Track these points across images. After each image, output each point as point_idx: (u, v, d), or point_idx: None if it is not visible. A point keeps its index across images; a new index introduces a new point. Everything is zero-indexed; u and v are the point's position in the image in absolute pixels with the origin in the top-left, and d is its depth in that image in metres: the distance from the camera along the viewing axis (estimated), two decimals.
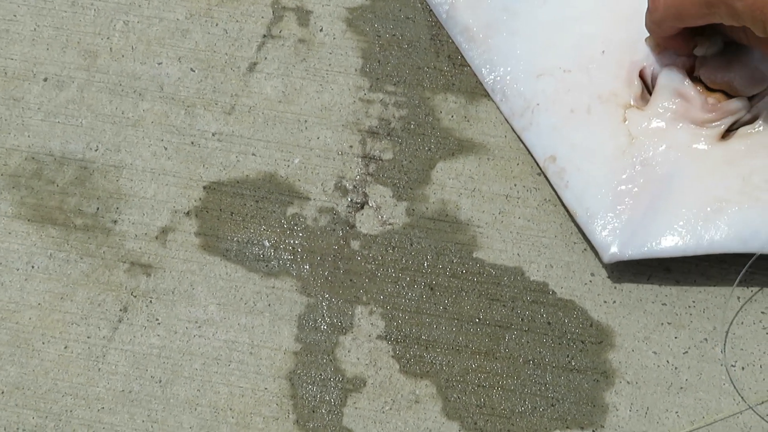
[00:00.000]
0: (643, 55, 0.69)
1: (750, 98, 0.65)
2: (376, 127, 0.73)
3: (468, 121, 0.72)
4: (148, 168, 0.73)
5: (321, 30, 0.76)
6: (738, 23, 0.56)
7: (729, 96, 0.65)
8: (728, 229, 0.63)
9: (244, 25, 0.77)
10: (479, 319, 0.69)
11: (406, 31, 0.75)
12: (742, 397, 0.63)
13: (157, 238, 0.71)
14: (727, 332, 0.66)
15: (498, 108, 0.72)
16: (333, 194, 0.72)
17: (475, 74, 0.73)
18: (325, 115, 0.74)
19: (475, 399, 0.67)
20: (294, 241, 0.71)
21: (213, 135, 0.74)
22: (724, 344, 0.65)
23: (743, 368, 0.65)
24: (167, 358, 0.68)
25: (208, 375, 0.68)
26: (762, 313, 0.65)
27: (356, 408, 0.65)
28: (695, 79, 0.66)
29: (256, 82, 0.75)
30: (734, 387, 0.64)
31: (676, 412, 0.64)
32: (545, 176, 0.70)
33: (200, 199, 0.73)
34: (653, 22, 0.62)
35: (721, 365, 0.65)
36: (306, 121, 0.74)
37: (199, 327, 0.69)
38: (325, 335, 0.69)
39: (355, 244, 0.70)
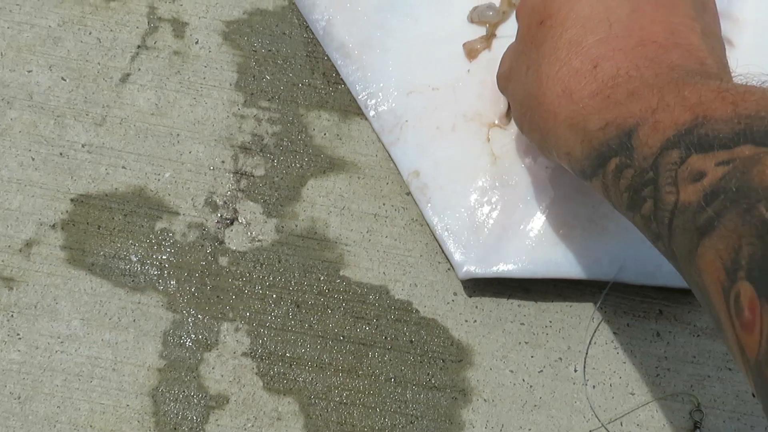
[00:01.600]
0: None
1: None
2: (249, 142, 0.78)
3: (340, 139, 0.78)
4: (14, 178, 0.76)
5: (197, 42, 0.80)
6: None
7: None
8: (574, 256, 0.70)
9: (119, 34, 0.80)
10: (344, 336, 0.74)
11: (282, 46, 0.80)
12: (596, 415, 0.71)
13: (20, 251, 0.75)
14: (587, 352, 0.73)
15: (370, 125, 0.76)
16: (203, 210, 0.76)
17: (348, 92, 0.78)
18: (197, 129, 0.78)
19: (336, 416, 0.72)
20: (161, 257, 0.75)
21: (83, 146, 0.77)
22: (584, 365, 0.72)
23: (594, 387, 0.72)
24: (27, 374, 0.72)
25: (69, 391, 0.71)
26: (614, 333, 0.73)
27: (218, 425, 0.71)
28: None
29: (129, 93, 0.79)
30: (590, 405, 0.71)
31: (529, 429, 0.71)
32: (413, 197, 0.74)
33: (67, 211, 0.76)
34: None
35: (574, 384, 0.72)
36: (178, 134, 0.78)
37: (62, 342, 0.72)
38: (189, 352, 0.73)
39: (224, 261, 0.75)
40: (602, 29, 0.52)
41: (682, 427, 0.71)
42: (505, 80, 0.64)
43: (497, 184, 0.74)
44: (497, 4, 0.68)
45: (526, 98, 0.57)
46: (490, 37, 0.70)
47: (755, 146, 0.36)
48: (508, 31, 0.74)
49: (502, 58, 0.67)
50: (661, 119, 0.41)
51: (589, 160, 0.51)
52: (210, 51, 0.81)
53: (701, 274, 0.42)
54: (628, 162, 0.43)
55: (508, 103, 0.73)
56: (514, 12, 0.70)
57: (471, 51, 0.76)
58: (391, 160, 0.76)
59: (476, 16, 0.73)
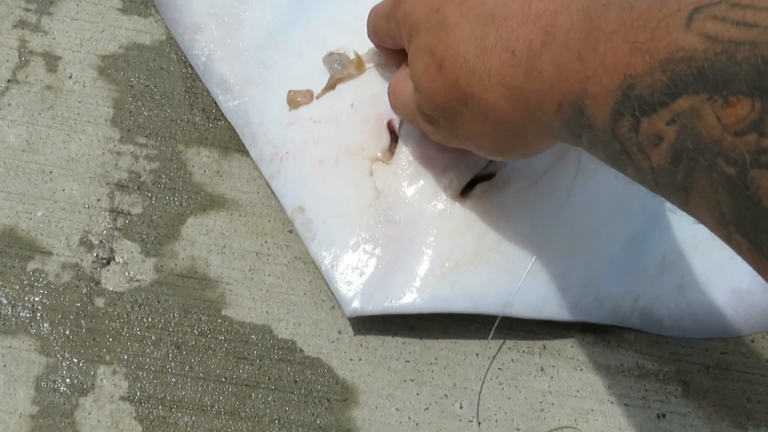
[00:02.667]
0: (387, 108, 0.80)
1: None
2: (126, 180, 0.84)
3: (221, 176, 0.85)
4: None
5: (70, 77, 0.86)
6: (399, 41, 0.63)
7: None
8: (461, 290, 0.77)
9: None
10: (226, 377, 0.80)
11: (159, 81, 0.87)
12: None
13: None
14: (480, 390, 0.81)
15: (252, 161, 0.82)
16: (78, 249, 0.82)
17: (229, 128, 0.84)
18: (72, 166, 0.84)
19: None
20: (34, 298, 0.80)
21: None
22: (479, 399, 0.80)
23: (480, 423, 0.81)
24: None
25: None
26: (498, 369, 0.82)
27: None
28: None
29: None
30: None
31: None
32: (295, 231, 0.80)
33: None
34: (368, 30, 0.69)
35: (460, 420, 0.81)
36: (51, 172, 0.83)
37: None
38: (64, 397, 0.78)
39: (100, 302, 0.81)
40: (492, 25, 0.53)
41: None
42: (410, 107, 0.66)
43: (381, 219, 0.77)
44: (349, 58, 0.73)
45: (452, 116, 0.60)
46: (327, 89, 0.76)
47: (689, 95, 0.38)
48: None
49: (397, 87, 0.74)
50: (595, 91, 0.43)
51: (566, 139, 0.50)
52: (84, 86, 0.86)
53: (703, 223, 0.42)
54: (594, 136, 0.45)
55: (391, 139, 0.80)
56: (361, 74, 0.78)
57: (291, 101, 0.82)
58: (274, 196, 0.82)
59: (326, 64, 0.81)
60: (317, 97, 0.81)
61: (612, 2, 0.43)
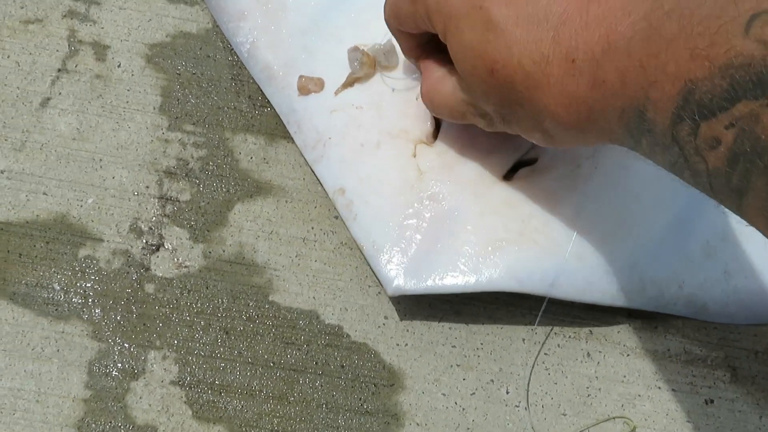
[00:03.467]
0: None
1: None
2: (174, 167, 0.85)
3: (267, 162, 0.86)
4: None
5: (119, 66, 0.88)
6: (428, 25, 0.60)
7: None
8: (506, 270, 0.77)
9: (38, 58, 0.87)
10: (274, 362, 0.81)
11: (206, 69, 0.88)
12: None
13: None
14: (530, 376, 0.81)
15: (294, 141, 0.83)
16: (127, 236, 0.83)
17: (274, 115, 0.85)
18: (121, 153, 0.85)
19: None
20: (86, 284, 0.82)
21: (2, 173, 0.84)
22: (529, 385, 0.81)
23: (526, 408, 0.82)
24: None
25: None
26: (545, 354, 0.83)
27: None
28: None
29: (50, 118, 0.86)
30: (532, 427, 0.80)
31: None
32: (341, 217, 0.81)
33: None
34: (386, 13, 0.66)
35: (506, 406, 0.82)
36: (101, 159, 0.85)
37: None
38: (116, 381, 0.79)
39: (150, 287, 0.82)
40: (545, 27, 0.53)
41: None
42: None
43: (424, 199, 0.79)
44: (364, 59, 0.74)
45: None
46: (345, 86, 0.77)
47: (748, 101, 0.39)
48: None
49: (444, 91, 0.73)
50: (657, 97, 0.44)
51: (626, 143, 0.51)
52: (133, 74, 0.87)
53: (755, 224, 0.43)
54: (654, 140, 0.46)
55: (434, 122, 0.80)
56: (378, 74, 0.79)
57: (302, 88, 0.83)
58: (319, 183, 0.82)
59: (348, 59, 0.75)
60: (336, 93, 0.83)
61: (673, 9, 0.43)
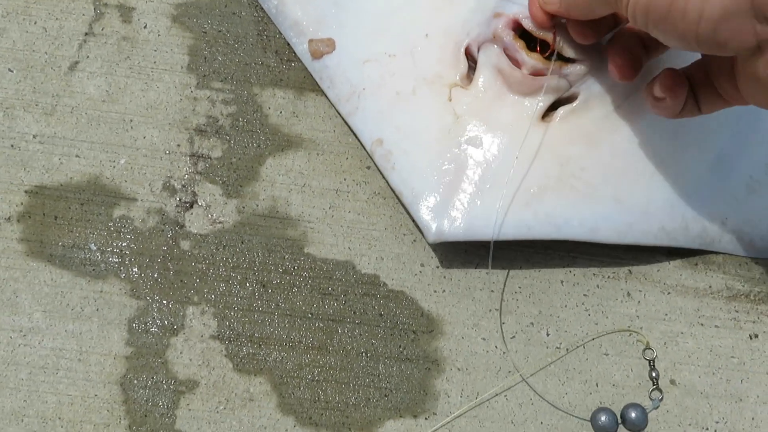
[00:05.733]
0: (464, 35, 0.80)
1: (568, 75, 0.78)
2: (204, 124, 0.86)
3: (297, 116, 0.87)
4: None
5: (145, 27, 0.89)
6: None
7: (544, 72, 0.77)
8: (544, 216, 0.78)
9: (64, 23, 0.88)
10: (312, 314, 0.82)
11: (232, 26, 0.88)
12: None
13: None
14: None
15: (327, 100, 0.83)
16: (161, 194, 0.84)
17: (303, 69, 0.85)
18: (151, 113, 0.86)
19: (310, 394, 0.79)
20: (122, 244, 0.83)
21: (34, 137, 0.85)
22: (568, 327, 0.81)
23: (567, 350, 0.82)
24: None
25: (35, 384, 0.78)
26: (584, 295, 0.83)
27: (189, 410, 0.78)
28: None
29: (78, 81, 0.87)
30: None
31: (505, 396, 0.80)
32: (374, 165, 0.81)
33: (22, 203, 0.83)
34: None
35: (547, 348, 0.82)
36: (131, 120, 0.86)
37: (24, 335, 0.80)
38: (156, 338, 0.80)
39: (185, 244, 0.83)
40: None
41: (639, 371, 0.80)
42: None
43: (462, 144, 0.76)
44: None
45: None
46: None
47: None
48: None
49: None
50: None
51: None
52: (159, 35, 0.88)
53: None
54: None
55: (469, 65, 0.80)
56: None
57: (315, 52, 0.84)
58: (350, 134, 0.83)
59: None
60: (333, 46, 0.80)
61: None
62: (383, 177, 0.79)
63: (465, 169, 0.79)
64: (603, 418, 0.72)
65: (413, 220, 0.78)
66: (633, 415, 0.73)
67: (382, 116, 0.81)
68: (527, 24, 0.75)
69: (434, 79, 0.81)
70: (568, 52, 0.75)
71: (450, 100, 0.80)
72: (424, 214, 0.78)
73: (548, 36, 0.74)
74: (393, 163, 0.80)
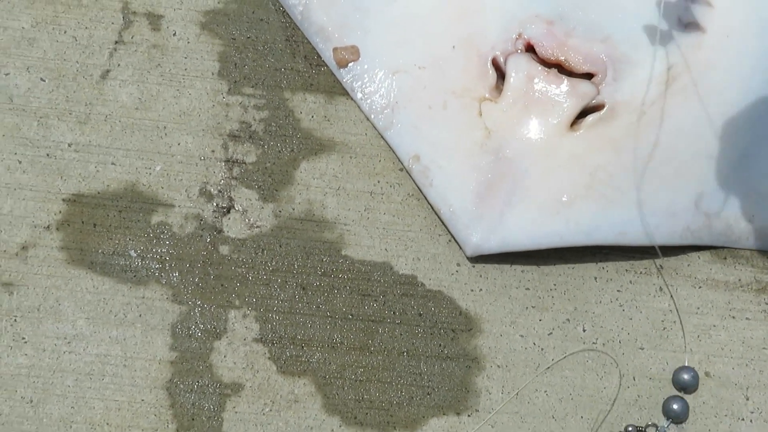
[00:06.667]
0: (490, 46, 0.82)
1: (591, 78, 0.80)
2: (237, 130, 0.87)
3: (328, 120, 0.88)
4: (3, 183, 0.84)
5: (174, 34, 0.89)
6: None
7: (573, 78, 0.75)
8: (575, 225, 0.80)
9: (94, 32, 0.88)
10: (352, 315, 0.83)
11: (261, 33, 0.89)
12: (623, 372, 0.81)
13: (17, 254, 0.82)
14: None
15: (358, 106, 0.85)
16: (198, 200, 0.85)
17: (331, 74, 0.86)
18: (184, 120, 0.87)
19: (354, 393, 0.81)
20: (161, 250, 0.83)
21: (69, 146, 0.86)
22: (603, 322, 0.84)
23: (604, 344, 0.84)
24: (37, 377, 0.79)
25: (82, 391, 0.79)
26: (618, 291, 0.84)
27: (236, 412, 0.80)
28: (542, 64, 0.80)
29: (111, 89, 0.87)
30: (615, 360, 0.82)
31: (545, 391, 0.82)
32: (408, 172, 0.83)
33: (60, 212, 0.83)
34: None
35: (584, 343, 0.84)
36: (165, 127, 0.87)
37: (69, 343, 0.80)
38: (199, 342, 0.81)
39: (224, 249, 0.84)
40: None
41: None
42: None
43: (494, 157, 0.80)
44: None
45: None
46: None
47: None
48: None
49: None
50: None
51: None
52: (189, 42, 0.89)
53: None
54: None
55: (497, 76, 0.81)
56: None
57: (340, 61, 0.85)
58: (382, 138, 0.85)
59: None
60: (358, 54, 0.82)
61: None
62: (420, 192, 0.81)
63: (498, 183, 0.81)
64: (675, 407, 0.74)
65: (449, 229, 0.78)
66: (675, 407, 0.74)
67: (417, 131, 0.83)
68: (542, 52, 0.79)
69: (463, 92, 0.83)
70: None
71: (480, 115, 0.82)
72: (461, 230, 0.81)
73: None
74: (431, 179, 0.82)
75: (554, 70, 0.81)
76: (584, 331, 0.84)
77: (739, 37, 0.84)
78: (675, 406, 0.75)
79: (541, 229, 0.80)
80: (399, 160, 0.85)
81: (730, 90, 0.83)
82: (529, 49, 0.81)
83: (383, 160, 0.87)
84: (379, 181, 0.87)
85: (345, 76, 0.86)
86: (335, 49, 0.85)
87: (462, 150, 0.82)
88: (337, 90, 0.88)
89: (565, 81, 0.80)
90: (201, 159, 0.86)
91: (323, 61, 0.87)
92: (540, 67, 0.80)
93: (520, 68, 0.81)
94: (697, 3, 0.82)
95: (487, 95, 0.84)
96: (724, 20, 0.84)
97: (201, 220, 0.84)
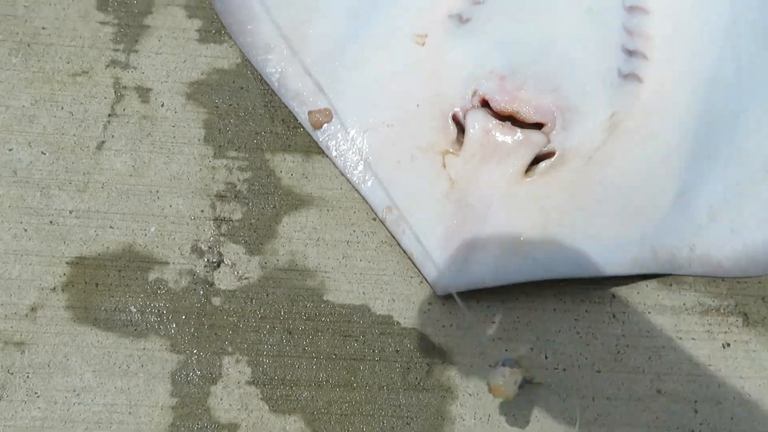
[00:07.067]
0: (450, 104, 0.87)
1: (542, 128, 0.86)
2: (224, 190, 0.93)
3: (306, 177, 0.94)
4: (11, 250, 0.90)
5: (162, 105, 0.96)
6: None
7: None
8: (533, 261, 0.86)
9: (89, 106, 0.95)
10: (335, 354, 0.88)
11: (241, 100, 0.96)
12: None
13: (26, 315, 0.88)
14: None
15: (333, 163, 0.91)
16: (190, 256, 0.91)
17: (307, 135, 0.92)
18: (174, 184, 0.93)
19: (340, 427, 0.86)
20: (159, 304, 0.89)
21: (70, 213, 0.92)
22: (563, 348, 0.89)
23: (564, 369, 0.93)
24: (50, 428, 0.84)
25: None
26: (575, 320, 0.91)
27: None
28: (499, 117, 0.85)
29: (106, 159, 0.93)
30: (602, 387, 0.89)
31: (514, 415, 0.88)
32: (381, 222, 0.88)
33: (65, 274, 0.89)
34: None
35: (546, 369, 0.92)
36: (157, 191, 0.93)
37: (78, 395, 0.86)
38: (197, 387, 0.86)
39: (216, 300, 0.90)
40: None
41: (645, 395, 0.90)
42: None
43: (457, 206, 0.86)
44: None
45: None
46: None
47: None
48: None
49: None
50: None
51: None
52: (176, 112, 0.96)
53: None
54: None
55: (458, 130, 0.87)
56: None
57: (315, 123, 0.90)
58: (355, 190, 0.90)
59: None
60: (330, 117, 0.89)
61: None
62: (393, 238, 0.86)
63: (463, 228, 0.86)
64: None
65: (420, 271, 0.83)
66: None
67: (388, 184, 0.87)
68: (495, 105, 0.84)
69: (427, 147, 0.88)
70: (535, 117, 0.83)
71: (444, 167, 0.87)
72: (432, 272, 0.86)
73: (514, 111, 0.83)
74: (403, 228, 0.87)
75: (508, 123, 0.86)
76: (546, 358, 0.89)
77: (671, 85, 0.89)
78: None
79: (503, 267, 0.84)
80: (373, 211, 0.89)
81: (666, 133, 0.88)
82: (485, 103, 0.85)
83: (358, 212, 0.92)
84: (354, 231, 0.92)
85: (320, 137, 0.91)
86: (310, 113, 0.90)
87: (430, 200, 0.87)
88: (313, 149, 0.94)
89: (518, 132, 0.85)
90: (191, 219, 0.92)
91: (300, 123, 0.93)
92: (495, 121, 0.85)
93: (477, 122, 0.86)
94: (634, 56, 0.87)
95: (450, 149, 0.88)
96: (658, 71, 0.90)
97: (194, 274, 0.90)
